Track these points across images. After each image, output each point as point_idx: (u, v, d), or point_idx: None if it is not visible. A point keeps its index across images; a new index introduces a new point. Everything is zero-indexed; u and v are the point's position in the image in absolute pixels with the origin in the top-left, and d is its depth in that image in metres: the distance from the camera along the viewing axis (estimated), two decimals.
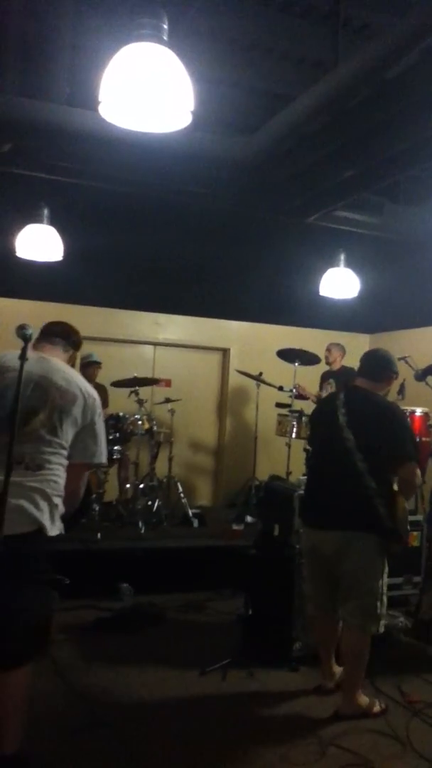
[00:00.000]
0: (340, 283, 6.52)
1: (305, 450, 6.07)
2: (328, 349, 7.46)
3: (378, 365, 3.82)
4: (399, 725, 3.52)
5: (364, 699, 3.66)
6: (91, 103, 2.75)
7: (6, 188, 5.29)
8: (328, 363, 7.47)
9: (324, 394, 7.13)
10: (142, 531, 6.08)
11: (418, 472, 3.59)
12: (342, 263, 6.48)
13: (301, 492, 4.17)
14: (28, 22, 3.79)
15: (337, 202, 4.77)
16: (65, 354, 3.33)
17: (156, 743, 3.29)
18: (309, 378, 7.52)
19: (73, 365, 3.41)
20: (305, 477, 4.43)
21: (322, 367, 7.52)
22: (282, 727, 3.49)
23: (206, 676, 4.02)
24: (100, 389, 7.29)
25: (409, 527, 3.76)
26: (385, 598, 3.57)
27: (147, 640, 4.62)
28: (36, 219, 5.65)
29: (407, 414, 3.98)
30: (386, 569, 3.60)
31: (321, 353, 7.34)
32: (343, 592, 3.59)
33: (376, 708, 3.66)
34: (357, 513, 3.52)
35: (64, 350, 3.33)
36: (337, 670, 3.86)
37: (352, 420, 3.59)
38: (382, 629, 3.58)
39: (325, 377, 7.49)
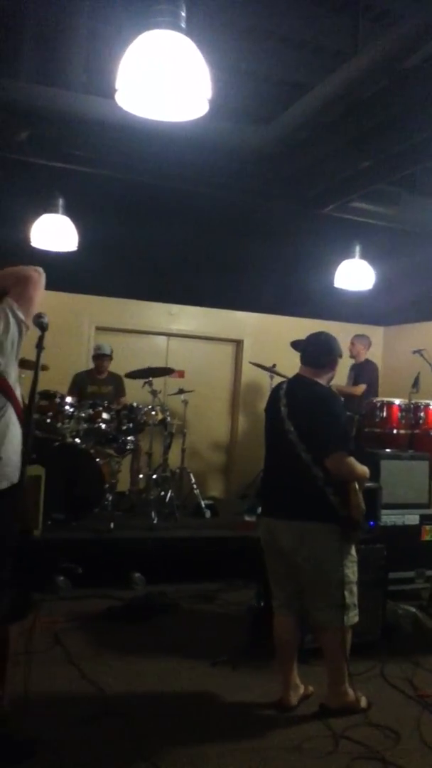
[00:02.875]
0: (355, 274, 6.50)
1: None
2: (352, 342, 7.44)
3: (319, 351, 3.67)
4: (411, 719, 3.50)
5: (350, 693, 3.53)
6: (108, 91, 2.74)
7: (21, 178, 5.29)
8: (352, 356, 7.44)
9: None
10: (155, 521, 6.08)
11: (350, 460, 3.38)
12: (357, 255, 6.45)
13: None
14: (45, 10, 3.77)
15: (354, 192, 4.74)
16: None
17: (167, 732, 3.30)
18: None
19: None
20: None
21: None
22: (293, 719, 3.48)
23: (217, 666, 4.02)
24: (116, 378, 7.31)
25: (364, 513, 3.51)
26: (354, 588, 3.45)
27: (158, 629, 4.63)
28: (51, 209, 5.66)
29: (342, 402, 3.79)
30: (353, 557, 3.49)
31: None
32: (307, 590, 3.48)
33: (363, 703, 3.55)
34: (309, 504, 3.41)
35: None
36: (300, 684, 3.66)
37: (291, 410, 3.51)
38: (356, 618, 3.48)
39: (351, 370, 7.49)
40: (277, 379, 7.74)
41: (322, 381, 3.64)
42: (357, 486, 3.45)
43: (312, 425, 3.45)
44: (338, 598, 3.40)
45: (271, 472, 3.76)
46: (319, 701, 3.57)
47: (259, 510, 6.79)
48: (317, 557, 3.42)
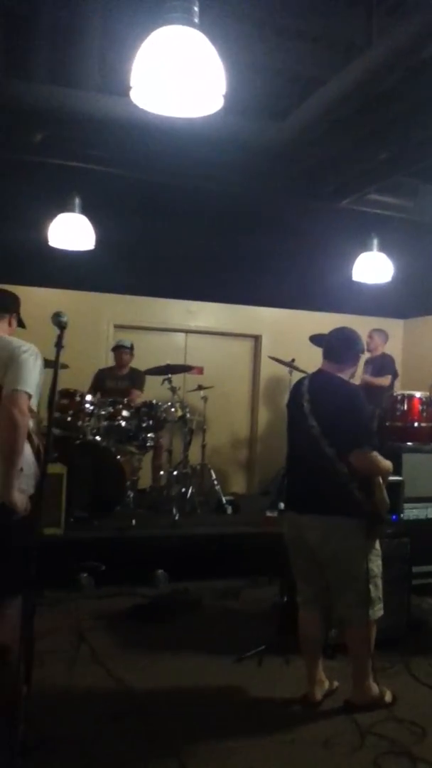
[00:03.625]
0: (373, 267, 6.45)
1: None
2: (370, 336, 7.40)
3: (341, 346, 3.67)
4: None
5: (375, 688, 3.53)
6: (123, 90, 2.74)
7: (38, 178, 5.31)
8: (369, 350, 7.40)
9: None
10: (176, 518, 6.10)
11: (374, 456, 3.39)
12: (375, 247, 6.40)
13: None
14: (58, 11, 3.78)
15: (371, 185, 4.71)
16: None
17: (193, 729, 3.31)
18: None
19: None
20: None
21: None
22: (319, 714, 3.47)
23: (242, 663, 4.02)
24: (137, 374, 7.31)
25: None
26: (379, 581, 3.45)
27: (183, 627, 4.63)
28: (68, 208, 5.68)
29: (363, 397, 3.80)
30: (377, 551, 3.48)
31: None
32: (332, 586, 3.48)
33: (388, 697, 3.56)
34: (334, 499, 3.40)
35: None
36: (324, 679, 3.67)
37: (314, 406, 3.49)
38: (381, 612, 3.47)
39: (369, 363, 7.44)
40: (297, 374, 7.72)
41: (345, 376, 3.63)
42: (381, 481, 3.44)
43: (336, 421, 3.43)
44: (363, 593, 3.40)
45: (294, 468, 3.75)
46: (343, 697, 3.56)
47: (282, 505, 6.84)
48: (343, 552, 3.41)
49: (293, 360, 7.66)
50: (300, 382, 3.76)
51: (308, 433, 3.46)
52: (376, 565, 3.47)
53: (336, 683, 3.70)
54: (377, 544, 3.50)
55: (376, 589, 3.44)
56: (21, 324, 3.52)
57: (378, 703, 3.51)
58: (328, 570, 3.47)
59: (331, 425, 3.43)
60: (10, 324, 3.41)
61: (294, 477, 3.75)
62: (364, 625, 3.44)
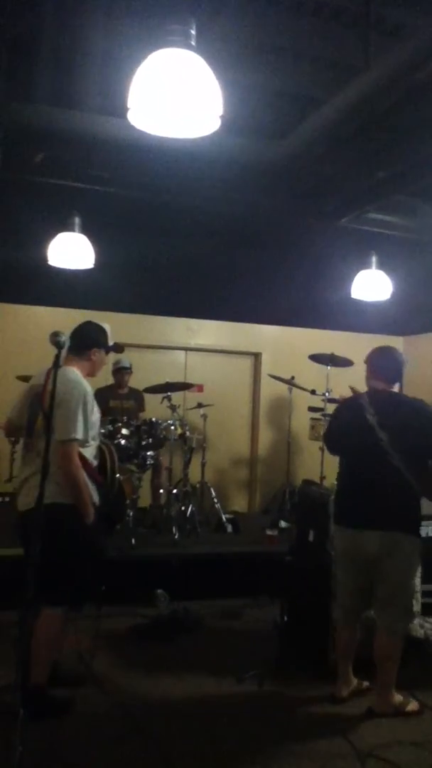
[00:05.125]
0: (372, 285, 6.46)
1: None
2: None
3: (393, 367, 3.89)
4: None
5: (398, 697, 3.69)
6: (122, 112, 2.76)
7: (38, 198, 5.33)
8: None
9: None
10: (176, 537, 6.07)
11: None
12: (374, 265, 6.42)
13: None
14: (59, 33, 3.81)
15: (370, 204, 4.72)
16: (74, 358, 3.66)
17: (193, 750, 3.27)
18: (341, 381, 7.45)
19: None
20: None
21: (353, 370, 7.44)
22: (320, 738, 3.44)
23: (243, 683, 3.99)
24: (137, 394, 7.31)
25: None
26: (419, 596, 3.74)
27: (183, 647, 4.60)
28: (68, 227, 5.69)
29: None
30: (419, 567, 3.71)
31: (353, 356, 7.25)
32: (384, 597, 3.61)
33: (411, 706, 3.70)
34: (400, 513, 3.57)
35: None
36: (354, 679, 3.86)
37: (382, 420, 3.60)
38: (413, 622, 3.78)
39: None
40: (297, 392, 7.73)
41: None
42: None
43: (410, 433, 3.57)
44: (409, 607, 3.63)
45: (355, 482, 3.80)
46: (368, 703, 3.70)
47: (283, 524, 6.81)
48: (404, 567, 3.58)
49: (293, 377, 7.66)
50: (354, 398, 3.84)
51: (376, 446, 3.56)
52: (416, 580, 3.71)
53: (366, 683, 3.84)
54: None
55: (417, 603, 3.73)
56: (116, 349, 3.92)
57: (402, 712, 3.65)
58: (383, 584, 3.60)
59: (402, 438, 3.55)
60: (90, 359, 3.71)
61: (353, 491, 3.80)
62: (401, 636, 3.62)
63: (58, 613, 3.45)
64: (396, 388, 3.88)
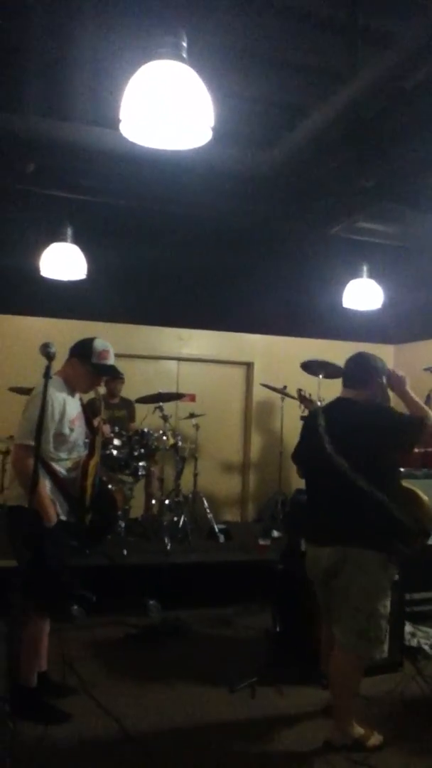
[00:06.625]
0: (363, 294, 6.50)
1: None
2: None
3: (358, 371, 3.63)
4: None
5: (358, 729, 3.41)
6: (113, 122, 2.78)
7: (30, 208, 5.35)
8: None
9: None
10: (168, 546, 6.06)
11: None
12: (365, 274, 6.46)
13: None
14: (49, 44, 3.84)
15: (359, 212, 4.76)
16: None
17: (184, 761, 3.26)
18: (333, 390, 7.48)
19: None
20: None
21: None
22: (312, 748, 3.41)
23: (235, 693, 3.98)
24: (129, 403, 7.31)
25: None
26: (385, 622, 3.34)
27: (175, 656, 4.59)
28: (60, 238, 5.71)
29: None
30: (389, 591, 3.39)
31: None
32: (338, 612, 3.38)
33: (373, 740, 3.41)
34: (357, 526, 3.31)
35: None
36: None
37: (331, 428, 3.44)
38: (384, 654, 3.37)
39: None
40: (289, 401, 7.74)
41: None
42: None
43: (369, 444, 3.38)
44: (375, 629, 3.30)
45: (312, 496, 3.66)
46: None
47: (275, 533, 6.81)
48: (358, 584, 3.29)
49: (285, 387, 7.68)
50: (315, 413, 3.71)
51: (336, 472, 3.34)
52: (385, 603, 3.36)
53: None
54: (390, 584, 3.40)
55: (385, 631, 3.33)
56: (101, 371, 3.79)
57: (362, 745, 3.37)
58: (337, 600, 3.39)
59: (364, 454, 3.36)
60: (70, 366, 3.74)
61: (312, 506, 3.66)
62: (358, 663, 3.37)
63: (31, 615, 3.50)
64: (366, 394, 3.56)
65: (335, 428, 3.46)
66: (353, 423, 3.45)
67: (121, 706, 3.75)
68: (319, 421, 3.53)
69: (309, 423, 3.69)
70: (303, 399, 6.82)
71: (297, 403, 7.44)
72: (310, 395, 6.83)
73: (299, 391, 6.79)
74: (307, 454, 3.69)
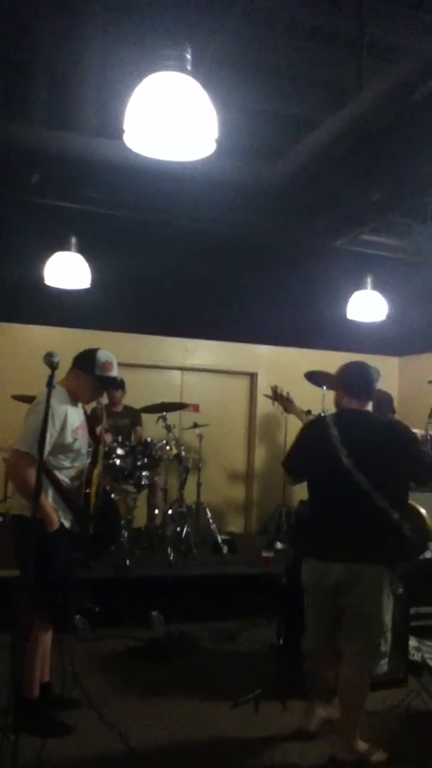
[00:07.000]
0: (367, 306, 6.49)
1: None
2: None
3: (363, 382, 3.60)
4: None
5: (362, 745, 3.39)
6: (118, 134, 2.78)
7: (35, 218, 5.36)
8: None
9: None
10: (172, 558, 6.03)
11: None
12: (369, 286, 6.45)
13: None
14: (55, 56, 3.86)
15: (364, 225, 4.76)
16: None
17: None
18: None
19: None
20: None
21: None
22: (317, 763, 3.38)
23: (239, 707, 3.94)
24: (133, 411, 7.29)
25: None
26: (390, 636, 3.34)
27: (179, 669, 4.55)
28: (64, 247, 5.72)
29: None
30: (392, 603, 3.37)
31: None
32: (347, 628, 3.34)
33: (377, 756, 3.38)
34: (369, 542, 3.28)
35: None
36: (322, 712, 3.63)
37: (346, 439, 3.36)
38: (385, 668, 3.35)
39: None
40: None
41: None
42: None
43: (377, 452, 3.39)
44: (376, 644, 3.30)
45: (322, 510, 3.56)
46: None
47: (279, 545, 6.76)
48: (372, 599, 3.28)
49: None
50: (319, 419, 3.69)
51: (353, 488, 3.29)
52: (387, 617, 3.34)
53: (324, 713, 3.62)
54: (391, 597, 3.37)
55: (386, 644, 3.32)
56: (104, 382, 3.79)
57: (366, 761, 3.34)
58: (346, 616, 3.35)
59: (383, 472, 3.34)
60: (74, 376, 3.73)
61: (328, 524, 3.51)
62: (365, 674, 3.33)
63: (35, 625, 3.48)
64: (369, 407, 3.57)
65: (353, 441, 3.38)
66: (376, 439, 3.42)
67: (124, 719, 3.72)
68: (332, 432, 3.42)
69: (317, 432, 3.56)
70: (277, 396, 6.39)
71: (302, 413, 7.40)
72: (288, 393, 6.46)
73: (274, 387, 6.24)
74: (316, 465, 3.55)
